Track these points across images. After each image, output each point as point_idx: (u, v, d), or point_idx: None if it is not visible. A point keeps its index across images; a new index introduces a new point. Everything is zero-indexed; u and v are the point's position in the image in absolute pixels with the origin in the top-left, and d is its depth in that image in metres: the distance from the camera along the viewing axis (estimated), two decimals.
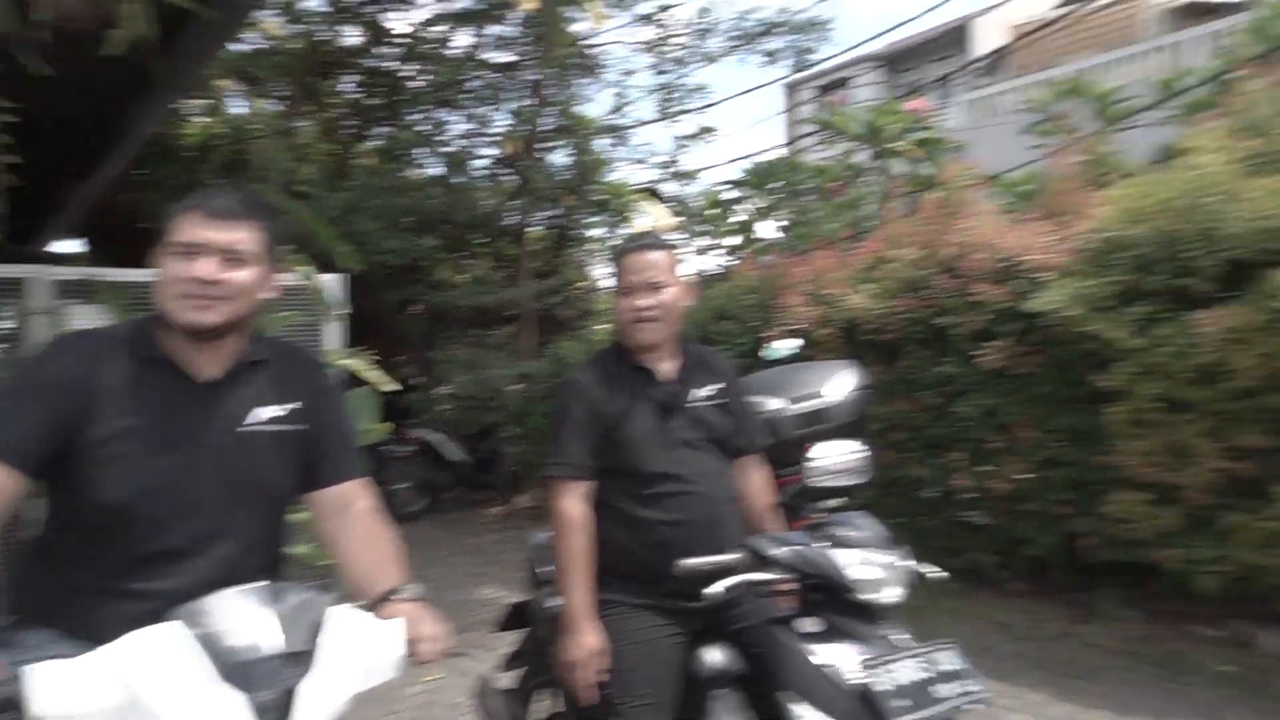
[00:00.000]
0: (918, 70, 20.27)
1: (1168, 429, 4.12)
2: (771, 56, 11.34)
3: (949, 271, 5.00)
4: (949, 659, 2.02)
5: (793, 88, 16.47)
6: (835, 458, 3.20)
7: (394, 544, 1.80)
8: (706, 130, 10.54)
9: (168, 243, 1.66)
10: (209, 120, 12.12)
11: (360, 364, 4.81)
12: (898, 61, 19.12)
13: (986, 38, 18.85)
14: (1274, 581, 4.00)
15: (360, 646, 1.34)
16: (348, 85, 12.63)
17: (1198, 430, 4.04)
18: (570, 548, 2.25)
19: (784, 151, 11.29)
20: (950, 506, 5.14)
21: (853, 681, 1.97)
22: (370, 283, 11.06)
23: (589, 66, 10.76)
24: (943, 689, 1.95)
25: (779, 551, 2.10)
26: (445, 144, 10.89)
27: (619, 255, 2.40)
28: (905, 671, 1.96)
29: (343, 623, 1.33)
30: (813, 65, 12.22)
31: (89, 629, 1.48)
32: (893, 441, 5.10)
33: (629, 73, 11.17)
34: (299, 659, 1.22)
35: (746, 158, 10.52)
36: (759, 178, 9.12)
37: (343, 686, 1.27)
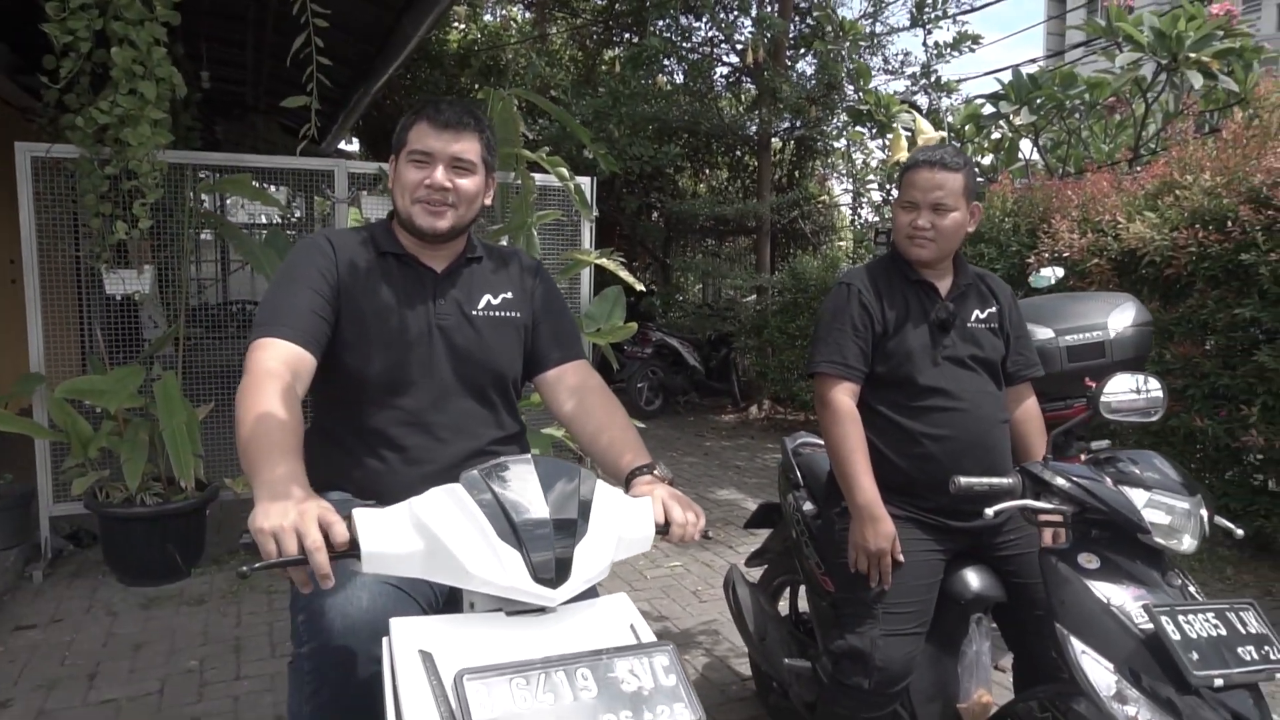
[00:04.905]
0: None
1: None
2: None
3: (1257, 203, 4.36)
4: (1250, 620, 1.75)
5: None
6: (1127, 394, 2.96)
7: (629, 421, 1.86)
8: (967, 39, 9.67)
9: (403, 150, 1.80)
10: (465, 28, 12.65)
11: (612, 264, 4.96)
12: None
13: None
14: None
15: (619, 520, 1.39)
16: None
17: None
18: (848, 437, 2.21)
19: (1048, 63, 10.25)
20: (1235, 464, 4.56)
21: (1142, 625, 1.76)
22: (612, 188, 11.32)
23: None
24: (1244, 651, 1.69)
25: (1061, 481, 1.95)
26: (689, 51, 10.78)
27: (909, 167, 2.29)
28: (1201, 625, 1.71)
29: (603, 496, 1.38)
30: None
31: (374, 489, 1.70)
32: (1171, 388, 4.62)
33: None
34: (567, 526, 1.27)
35: (1006, 69, 9.55)
36: (1021, 91, 8.34)
37: (606, 556, 1.32)
